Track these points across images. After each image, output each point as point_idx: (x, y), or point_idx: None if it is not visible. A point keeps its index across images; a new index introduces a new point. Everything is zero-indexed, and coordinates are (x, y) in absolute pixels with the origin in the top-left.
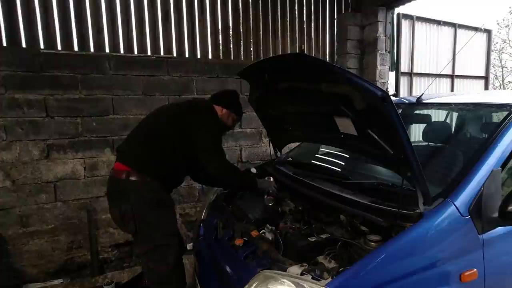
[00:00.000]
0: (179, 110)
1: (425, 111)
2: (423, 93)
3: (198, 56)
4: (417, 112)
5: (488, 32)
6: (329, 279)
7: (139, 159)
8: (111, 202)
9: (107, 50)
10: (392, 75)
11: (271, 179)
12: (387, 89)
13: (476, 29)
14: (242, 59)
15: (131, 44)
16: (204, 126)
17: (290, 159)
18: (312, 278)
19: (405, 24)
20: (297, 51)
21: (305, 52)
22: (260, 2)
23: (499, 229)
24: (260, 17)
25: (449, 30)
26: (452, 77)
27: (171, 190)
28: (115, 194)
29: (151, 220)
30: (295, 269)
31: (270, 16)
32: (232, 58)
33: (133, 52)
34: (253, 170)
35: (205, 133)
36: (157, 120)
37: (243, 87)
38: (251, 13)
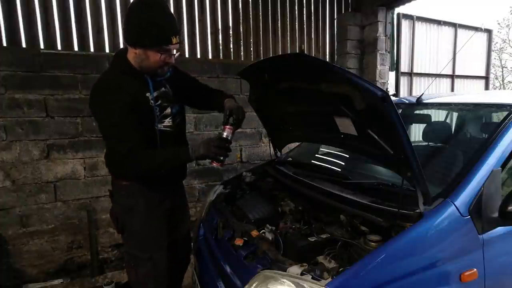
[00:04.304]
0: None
1: (425, 111)
2: (423, 93)
3: (198, 56)
4: (417, 112)
5: (489, 32)
6: (329, 279)
7: (108, 164)
8: None
9: (107, 50)
10: (392, 75)
11: (226, 129)
12: (387, 89)
13: (476, 29)
14: (242, 59)
15: None
16: (98, 111)
17: (290, 159)
18: (312, 278)
19: (405, 24)
20: (297, 51)
21: (305, 52)
22: (260, 1)
23: (499, 229)
24: (260, 17)
25: (449, 30)
26: (452, 77)
27: (167, 185)
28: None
29: (125, 225)
30: (295, 269)
31: (270, 16)
32: (232, 58)
33: None
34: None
35: (101, 120)
36: None
37: (243, 87)
38: (251, 13)
